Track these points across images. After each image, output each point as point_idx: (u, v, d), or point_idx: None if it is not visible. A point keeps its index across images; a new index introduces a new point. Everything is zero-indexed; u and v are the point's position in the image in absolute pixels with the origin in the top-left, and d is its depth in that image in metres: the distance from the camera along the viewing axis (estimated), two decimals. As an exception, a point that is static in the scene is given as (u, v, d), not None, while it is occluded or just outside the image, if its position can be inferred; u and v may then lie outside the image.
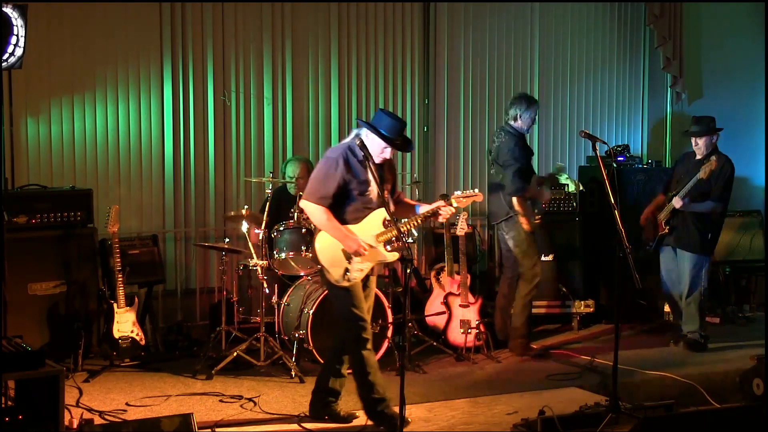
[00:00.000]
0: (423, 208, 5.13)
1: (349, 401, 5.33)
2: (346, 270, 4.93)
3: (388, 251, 5.05)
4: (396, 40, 8.30)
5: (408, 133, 8.37)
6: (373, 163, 4.89)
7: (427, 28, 8.42)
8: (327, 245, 4.96)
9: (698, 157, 6.91)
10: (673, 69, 9.19)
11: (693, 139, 6.93)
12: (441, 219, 5.11)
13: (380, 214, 4.98)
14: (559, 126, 9.02)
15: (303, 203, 4.98)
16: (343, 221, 4.94)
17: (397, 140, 4.93)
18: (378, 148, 4.92)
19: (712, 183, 6.79)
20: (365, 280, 5.09)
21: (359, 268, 4.95)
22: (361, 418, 5.19)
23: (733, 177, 6.89)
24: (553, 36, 8.96)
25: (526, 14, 8.85)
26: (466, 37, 8.58)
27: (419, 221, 5.10)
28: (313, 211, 4.92)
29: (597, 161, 5.35)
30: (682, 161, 7.19)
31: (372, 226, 4.98)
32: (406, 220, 5.15)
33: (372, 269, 5.09)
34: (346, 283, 4.94)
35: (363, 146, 4.85)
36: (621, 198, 5.62)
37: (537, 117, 6.78)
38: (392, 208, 5.07)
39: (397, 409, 4.79)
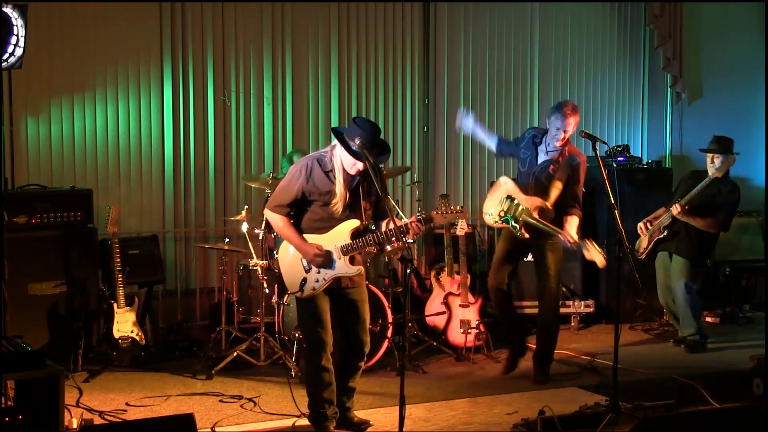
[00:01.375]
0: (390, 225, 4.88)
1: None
2: (303, 281, 4.83)
3: (351, 265, 4.85)
4: (396, 40, 8.30)
5: (408, 133, 8.40)
6: (348, 174, 4.77)
7: (427, 28, 8.41)
8: (287, 254, 4.91)
9: (710, 175, 6.83)
10: (673, 69, 9.19)
11: (710, 157, 6.84)
12: (410, 237, 4.82)
13: (349, 226, 4.83)
14: (559, 126, 9.01)
15: (265, 210, 4.95)
16: (305, 230, 4.85)
17: (372, 149, 4.69)
18: (350, 163, 4.75)
19: (719, 203, 6.78)
20: (342, 295, 4.91)
21: (316, 279, 4.82)
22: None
23: (738, 205, 6.89)
24: (553, 36, 8.96)
25: (526, 14, 8.84)
26: (466, 37, 8.58)
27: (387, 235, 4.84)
28: (272, 218, 4.89)
29: (597, 161, 5.35)
30: (689, 179, 7.08)
31: (338, 237, 4.82)
32: (373, 231, 4.94)
33: (345, 283, 4.88)
34: (299, 294, 4.84)
35: (366, 152, 4.66)
36: (621, 198, 5.59)
37: (559, 124, 5.84)
38: (366, 220, 4.90)
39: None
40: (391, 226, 4.80)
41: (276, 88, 7.83)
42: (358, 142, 4.65)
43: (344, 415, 5.07)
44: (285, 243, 4.94)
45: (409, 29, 8.35)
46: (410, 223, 4.79)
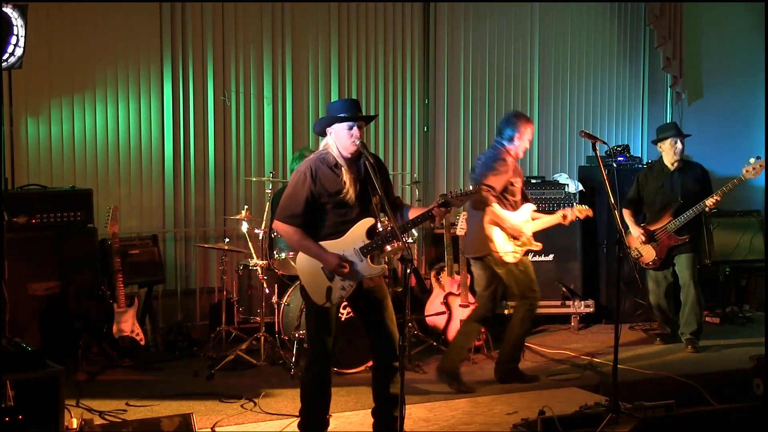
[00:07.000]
0: (413, 213, 4.76)
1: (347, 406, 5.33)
2: (329, 290, 4.61)
3: (374, 265, 4.65)
4: (396, 40, 8.30)
5: (408, 133, 8.41)
6: (353, 164, 4.64)
7: (427, 28, 8.42)
8: (307, 265, 4.65)
9: (673, 162, 6.93)
10: (673, 69, 9.19)
11: (676, 144, 6.90)
12: (437, 222, 4.78)
13: (364, 226, 4.62)
14: (559, 126, 9.02)
15: (275, 223, 4.71)
16: (322, 237, 4.61)
17: (359, 114, 4.61)
18: (345, 136, 4.57)
19: (707, 186, 6.90)
20: (367, 297, 4.73)
21: (342, 286, 4.62)
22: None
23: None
24: (553, 36, 8.96)
25: (526, 14, 8.85)
26: (466, 37, 8.58)
27: (407, 226, 4.75)
28: (284, 232, 4.66)
29: (597, 161, 5.35)
30: (648, 175, 7.14)
31: (355, 239, 4.61)
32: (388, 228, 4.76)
33: (367, 284, 4.71)
34: (328, 305, 4.64)
35: (364, 145, 4.61)
36: (621, 198, 5.57)
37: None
38: (380, 216, 4.72)
39: None
40: (410, 216, 4.72)
41: (276, 88, 7.83)
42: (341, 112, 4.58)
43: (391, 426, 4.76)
44: (302, 254, 4.70)
45: (409, 29, 8.35)
46: (431, 209, 4.65)
